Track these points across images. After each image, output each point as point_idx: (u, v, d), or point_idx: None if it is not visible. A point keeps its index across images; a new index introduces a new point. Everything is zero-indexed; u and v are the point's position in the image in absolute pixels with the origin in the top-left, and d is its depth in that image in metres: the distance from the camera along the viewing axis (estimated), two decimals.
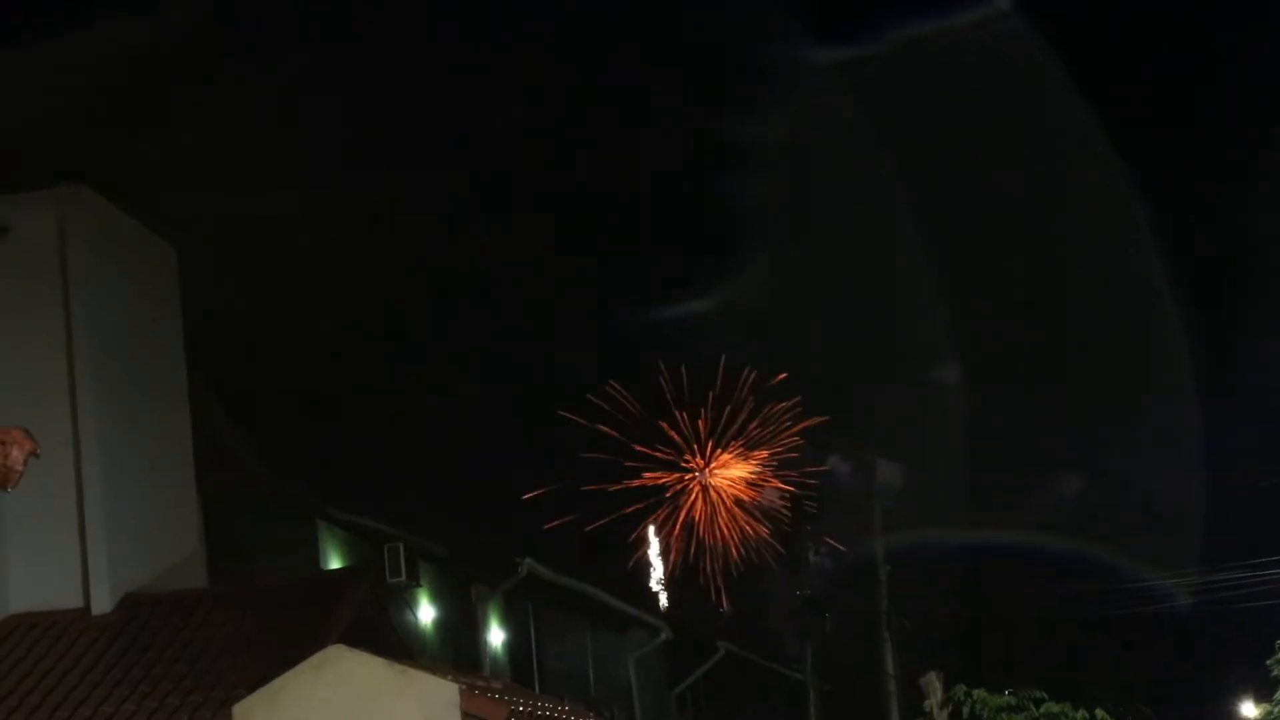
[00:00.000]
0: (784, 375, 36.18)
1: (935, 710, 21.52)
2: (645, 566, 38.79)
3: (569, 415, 34.60)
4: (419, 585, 21.42)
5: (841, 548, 36.52)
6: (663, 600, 37.90)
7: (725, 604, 38.66)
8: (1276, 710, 22.35)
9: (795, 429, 35.47)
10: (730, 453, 37.05)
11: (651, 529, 38.07)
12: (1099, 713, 20.98)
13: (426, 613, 22.07)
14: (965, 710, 21.34)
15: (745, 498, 36.45)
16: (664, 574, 38.83)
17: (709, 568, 37.55)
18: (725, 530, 36.94)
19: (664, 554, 38.57)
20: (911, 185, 34.94)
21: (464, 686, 12.73)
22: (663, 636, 28.68)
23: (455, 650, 22.44)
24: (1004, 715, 21.00)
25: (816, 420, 33.81)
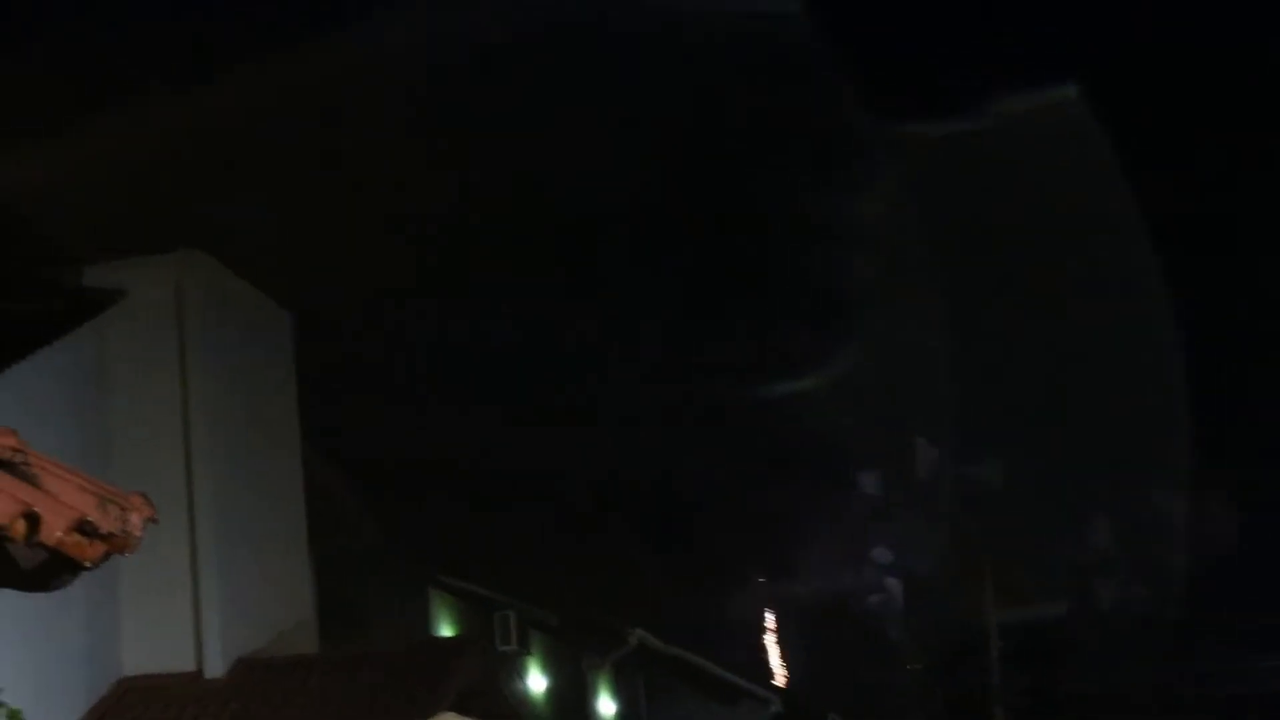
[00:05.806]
0: None
1: None
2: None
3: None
4: (529, 654, 21.31)
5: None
6: (776, 673, 37.65)
7: None
8: None
9: None
10: None
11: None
12: None
13: (537, 682, 21.93)
14: None
15: None
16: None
17: None
18: None
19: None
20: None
21: None
22: (773, 709, 28.37)
23: None
24: None
25: None
